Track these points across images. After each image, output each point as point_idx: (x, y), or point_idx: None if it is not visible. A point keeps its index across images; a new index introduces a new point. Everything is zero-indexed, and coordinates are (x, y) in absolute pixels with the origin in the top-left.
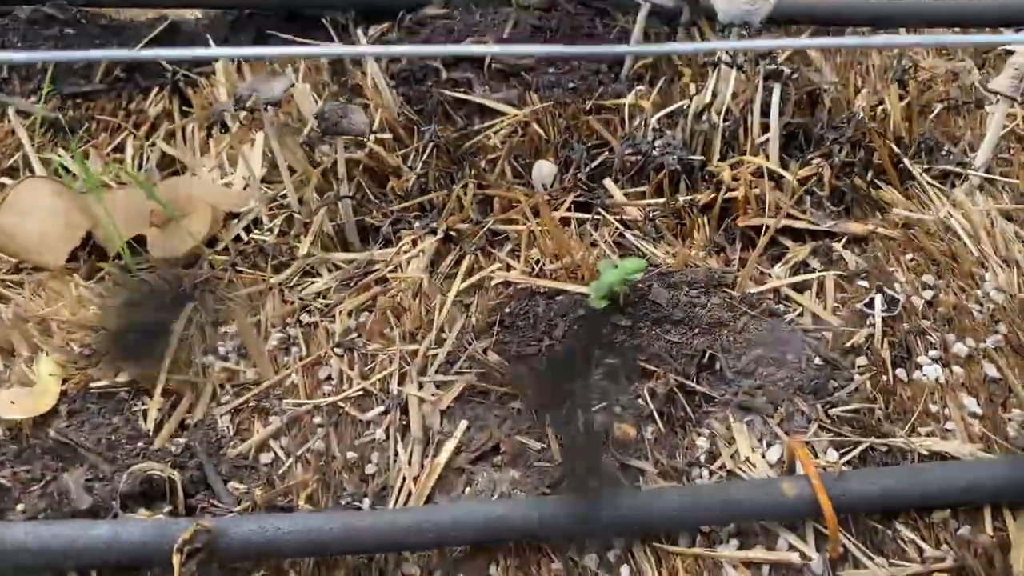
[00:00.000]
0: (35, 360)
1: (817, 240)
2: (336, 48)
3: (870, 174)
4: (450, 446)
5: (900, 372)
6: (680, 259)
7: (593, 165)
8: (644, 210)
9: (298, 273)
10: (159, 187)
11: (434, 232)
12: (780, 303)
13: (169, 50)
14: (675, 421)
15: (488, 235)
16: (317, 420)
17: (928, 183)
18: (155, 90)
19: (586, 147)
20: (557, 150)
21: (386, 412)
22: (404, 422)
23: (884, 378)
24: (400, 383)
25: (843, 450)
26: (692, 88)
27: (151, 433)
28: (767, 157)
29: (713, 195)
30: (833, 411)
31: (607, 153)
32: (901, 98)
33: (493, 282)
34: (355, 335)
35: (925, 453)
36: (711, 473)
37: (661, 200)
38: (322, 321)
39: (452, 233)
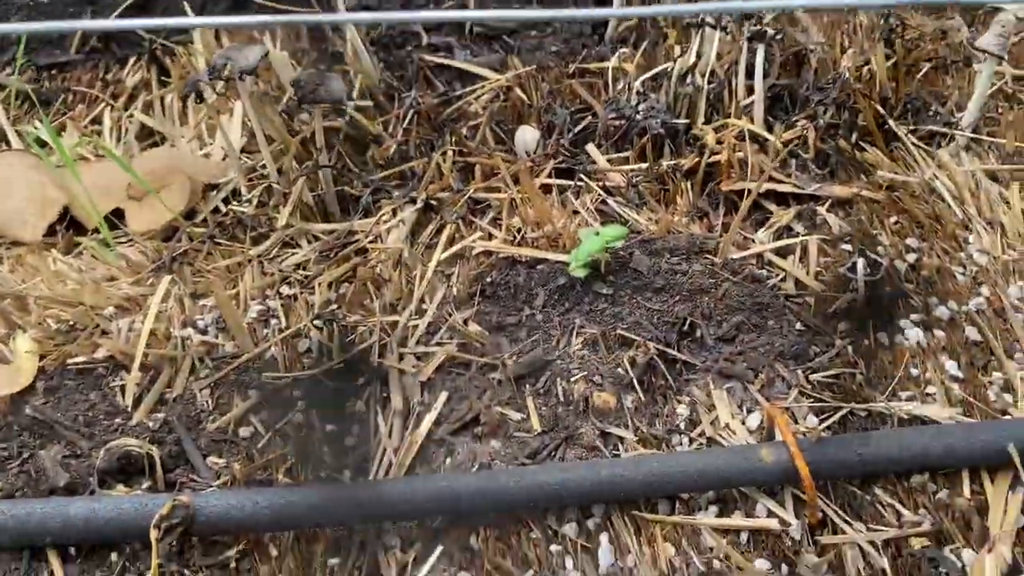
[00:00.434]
0: (11, 337)
1: (801, 204)
2: (315, 16)
3: (855, 136)
4: (430, 418)
5: (882, 336)
6: (663, 225)
7: (576, 130)
8: (627, 176)
9: (277, 245)
10: (138, 159)
11: (414, 201)
12: (763, 268)
13: (145, 20)
14: (655, 389)
15: (470, 203)
16: (296, 393)
17: (913, 144)
18: (132, 60)
19: (569, 112)
20: (540, 115)
21: (367, 384)
22: (384, 394)
23: (865, 342)
24: (380, 355)
25: (823, 416)
26: (677, 50)
27: (129, 408)
28: (751, 120)
29: (697, 159)
30: (814, 376)
31: (590, 118)
32: (888, 58)
33: (474, 251)
34: (335, 307)
35: (905, 417)
36: (691, 440)
37: (644, 165)
38: (302, 293)
39: (432, 202)
